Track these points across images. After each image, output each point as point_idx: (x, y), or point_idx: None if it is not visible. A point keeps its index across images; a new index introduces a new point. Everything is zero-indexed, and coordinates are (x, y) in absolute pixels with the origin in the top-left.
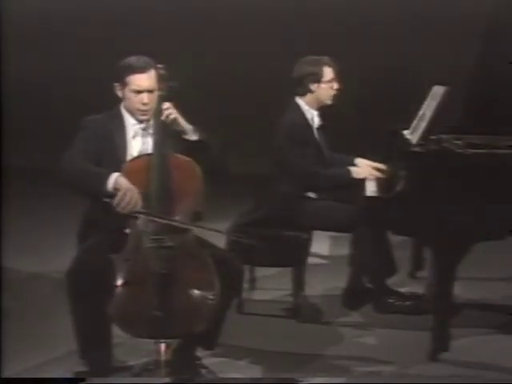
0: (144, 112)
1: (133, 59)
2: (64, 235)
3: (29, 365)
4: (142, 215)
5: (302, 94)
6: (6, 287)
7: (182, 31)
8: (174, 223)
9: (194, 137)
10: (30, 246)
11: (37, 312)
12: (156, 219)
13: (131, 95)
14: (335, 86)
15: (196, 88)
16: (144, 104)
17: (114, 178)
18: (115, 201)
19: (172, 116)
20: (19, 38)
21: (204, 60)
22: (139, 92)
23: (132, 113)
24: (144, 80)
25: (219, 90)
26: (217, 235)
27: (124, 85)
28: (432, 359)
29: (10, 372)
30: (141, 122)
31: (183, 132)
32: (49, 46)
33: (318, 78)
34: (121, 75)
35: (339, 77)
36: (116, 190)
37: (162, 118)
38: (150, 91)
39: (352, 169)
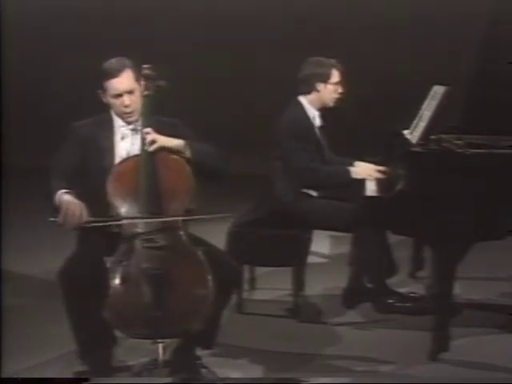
0: (129, 114)
1: (107, 64)
2: (64, 235)
3: (29, 365)
4: (92, 224)
5: (307, 93)
6: (5, 287)
7: (183, 30)
8: (132, 221)
9: (187, 153)
10: (29, 246)
11: (37, 312)
12: (107, 224)
13: (112, 100)
14: (340, 89)
15: (195, 88)
16: (126, 106)
17: (58, 195)
18: (58, 219)
19: (155, 146)
20: (19, 38)
21: (203, 60)
22: (119, 95)
23: (119, 116)
24: (120, 83)
25: (219, 90)
26: (215, 235)
27: (104, 91)
28: (432, 359)
29: (10, 372)
30: (129, 123)
31: (177, 151)
32: (49, 45)
33: (325, 79)
34: (100, 82)
35: (344, 81)
36: (60, 207)
37: (145, 146)
38: (129, 92)
39: (352, 169)
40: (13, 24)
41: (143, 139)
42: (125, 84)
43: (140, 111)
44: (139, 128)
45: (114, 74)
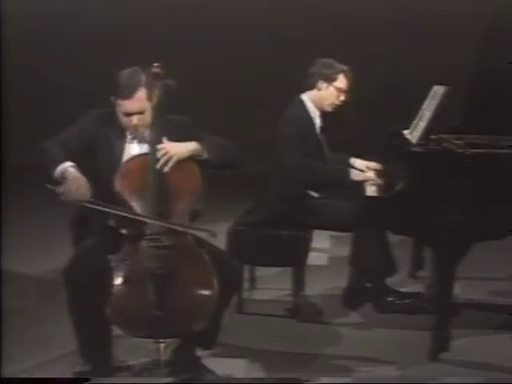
0: (136, 130)
1: (122, 79)
2: (64, 235)
3: (29, 365)
4: (90, 205)
5: (309, 89)
6: (5, 287)
7: (183, 30)
8: (122, 213)
9: (204, 155)
10: (29, 246)
11: (37, 312)
12: (107, 210)
13: (122, 115)
14: (342, 97)
15: (195, 88)
16: (134, 125)
17: (64, 167)
18: (60, 189)
19: (173, 161)
20: (19, 38)
21: (203, 60)
22: (129, 115)
23: (126, 128)
24: (131, 104)
25: (219, 90)
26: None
27: (116, 104)
28: (432, 359)
29: (9, 372)
30: (135, 137)
31: (194, 156)
32: (49, 45)
33: (330, 79)
34: (113, 92)
35: (349, 91)
36: (63, 178)
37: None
38: (139, 113)
39: (352, 170)
40: (13, 24)
41: (152, 139)
42: (136, 106)
43: (148, 124)
44: (147, 138)
45: (127, 94)
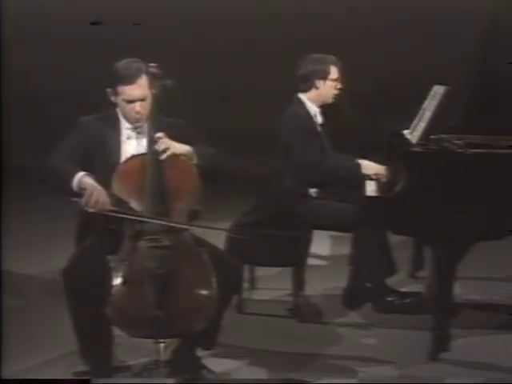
0: (138, 119)
1: (122, 67)
2: (64, 235)
3: (29, 365)
4: (113, 214)
5: (307, 90)
6: (5, 287)
7: (183, 30)
8: (148, 220)
9: (194, 160)
10: (29, 246)
11: (37, 312)
12: (130, 217)
13: (123, 104)
14: (339, 85)
15: (195, 88)
16: (137, 112)
17: (79, 178)
18: (82, 200)
19: (168, 153)
20: (19, 38)
21: (204, 59)
22: (131, 102)
23: (126, 119)
24: (134, 90)
25: (219, 90)
26: (215, 234)
27: (116, 93)
28: (432, 359)
29: (9, 372)
30: (136, 128)
31: (185, 156)
32: (49, 45)
33: (324, 75)
34: (112, 83)
35: (343, 77)
36: (82, 189)
37: (159, 149)
38: (142, 99)
39: (362, 162)
40: (13, 24)
41: (150, 140)
42: (139, 92)
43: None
44: (145, 131)
45: (130, 80)
